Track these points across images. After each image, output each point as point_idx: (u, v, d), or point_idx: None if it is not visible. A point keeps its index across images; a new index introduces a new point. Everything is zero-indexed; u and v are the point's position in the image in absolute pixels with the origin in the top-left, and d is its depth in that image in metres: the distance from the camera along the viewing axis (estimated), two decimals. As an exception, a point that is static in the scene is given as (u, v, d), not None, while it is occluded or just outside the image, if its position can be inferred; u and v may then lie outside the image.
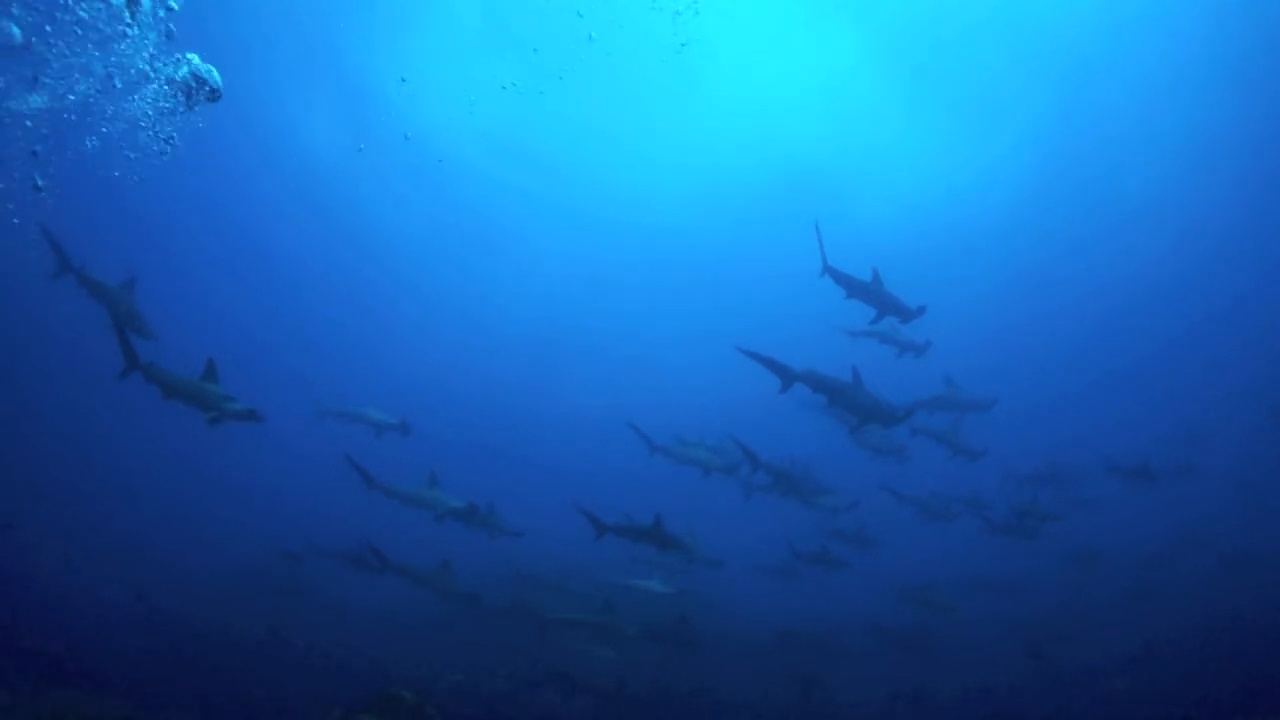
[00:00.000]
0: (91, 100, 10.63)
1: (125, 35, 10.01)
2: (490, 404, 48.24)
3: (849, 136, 38.84)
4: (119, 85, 10.42)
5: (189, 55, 10.10)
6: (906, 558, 22.84)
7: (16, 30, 10.52)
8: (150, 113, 10.46)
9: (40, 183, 11.02)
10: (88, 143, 11.09)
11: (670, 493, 15.44)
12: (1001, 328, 42.63)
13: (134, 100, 10.47)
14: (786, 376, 12.76)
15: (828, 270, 14.31)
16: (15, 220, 11.79)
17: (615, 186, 43.43)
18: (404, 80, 35.17)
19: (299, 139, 39.31)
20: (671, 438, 17.89)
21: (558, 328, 50.08)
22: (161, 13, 10.12)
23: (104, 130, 10.80)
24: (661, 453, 17.42)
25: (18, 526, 18.36)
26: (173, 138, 10.66)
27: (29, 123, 10.61)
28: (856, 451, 21.02)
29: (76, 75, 10.42)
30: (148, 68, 10.23)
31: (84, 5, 9.80)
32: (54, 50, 10.16)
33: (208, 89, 10.11)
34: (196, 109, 10.27)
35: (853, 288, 14.51)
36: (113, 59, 10.21)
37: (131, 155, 10.91)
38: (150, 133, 10.63)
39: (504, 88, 34.78)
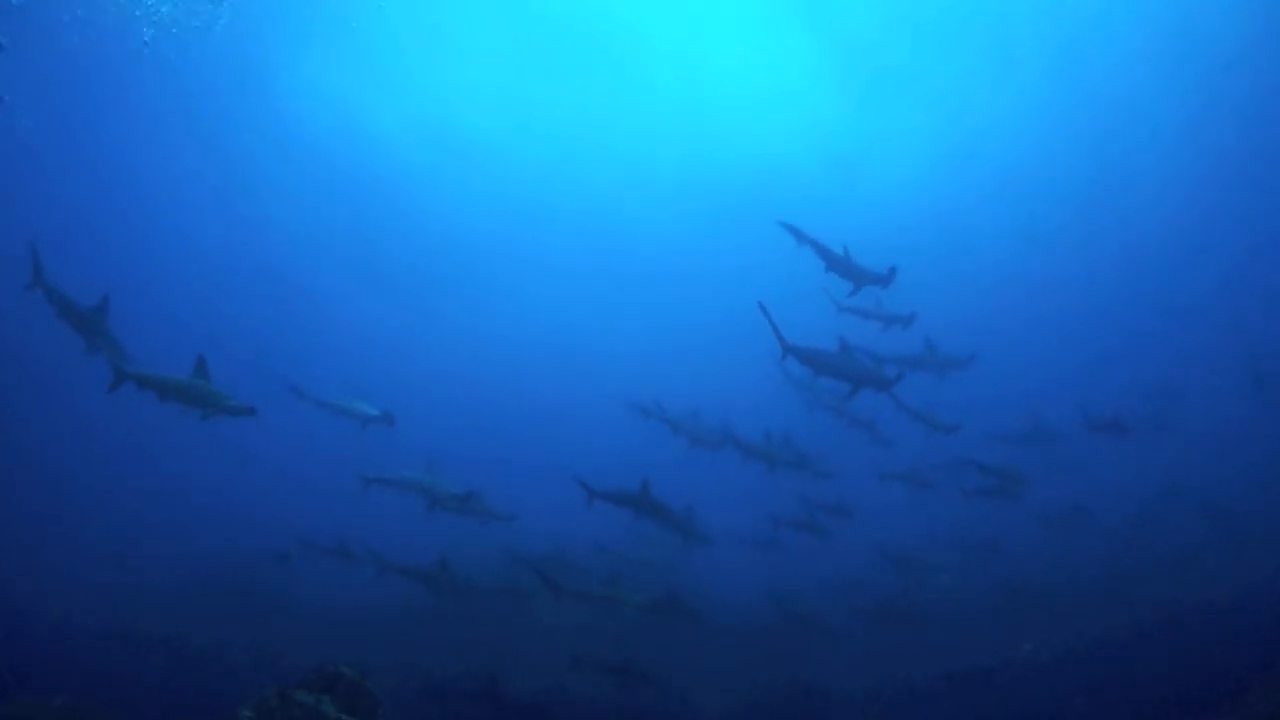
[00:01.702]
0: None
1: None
2: (481, 395, 48.42)
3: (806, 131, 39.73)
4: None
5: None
6: (888, 525, 23.08)
7: None
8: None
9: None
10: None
11: (657, 472, 15.63)
12: (979, 291, 42.99)
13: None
14: (785, 347, 13.12)
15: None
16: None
17: (579, 182, 43.98)
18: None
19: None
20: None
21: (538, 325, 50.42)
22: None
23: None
24: (658, 419, 18.14)
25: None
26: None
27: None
28: (830, 425, 21.59)
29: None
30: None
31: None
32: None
33: None
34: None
35: (829, 260, 15.18)
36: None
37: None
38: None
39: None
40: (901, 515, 23.40)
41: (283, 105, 38.12)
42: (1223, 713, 12.30)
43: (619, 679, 15.92)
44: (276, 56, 35.09)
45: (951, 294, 36.06)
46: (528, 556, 18.96)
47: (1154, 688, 14.00)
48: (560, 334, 49.93)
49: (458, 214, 46.19)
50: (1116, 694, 14.35)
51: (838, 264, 15.19)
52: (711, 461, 18.44)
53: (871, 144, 40.54)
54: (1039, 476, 21.75)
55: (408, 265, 48.10)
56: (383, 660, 16.95)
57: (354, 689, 9.95)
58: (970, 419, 19.35)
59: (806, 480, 19.30)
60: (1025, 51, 35.14)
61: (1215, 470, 29.11)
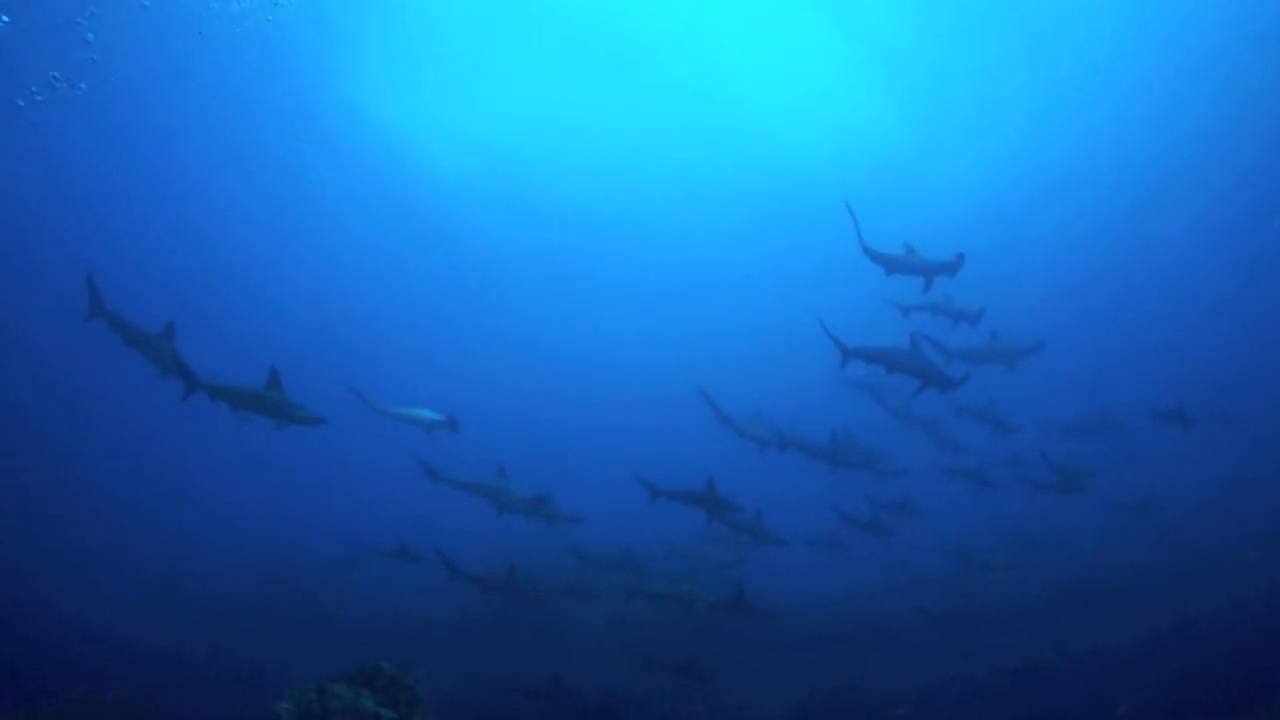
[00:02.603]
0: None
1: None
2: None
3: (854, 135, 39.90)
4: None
5: None
6: (952, 522, 22.94)
7: None
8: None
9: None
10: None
11: (725, 479, 15.74)
12: (1041, 285, 42.62)
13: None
14: (845, 352, 13.13)
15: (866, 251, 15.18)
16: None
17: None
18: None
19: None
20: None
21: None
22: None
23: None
24: (726, 424, 18.10)
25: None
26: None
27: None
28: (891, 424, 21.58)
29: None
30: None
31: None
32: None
33: None
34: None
35: (891, 264, 15.21)
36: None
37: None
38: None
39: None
40: (965, 512, 23.23)
41: (335, 121, 39.02)
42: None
43: (680, 677, 15.97)
44: (331, 75, 35.97)
45: (1012, 289, 35.80)
46: (596, 557, 19.11)
47: (1208, 689, 13.67)
48: (623, 345, 50.35)
49: (516, 230, 47.12)
50: (1163, 697, 14.04)
51: (902, 265, 15.24)
52: (777, 464, 18.44)
53: (920, 145, 40.41)
54: (1104, 469, 21.56)
55: (471, 281, 48.92)
56: (443, 660, 17.38)
57: (394, 684, 9.74)
58: (1035, 411, 19.25)
59: (871, 480, 19.29)
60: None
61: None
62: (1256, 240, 40.38)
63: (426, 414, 18.91)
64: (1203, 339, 41.78)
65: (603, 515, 18.54)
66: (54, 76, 24.14)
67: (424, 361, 46.76)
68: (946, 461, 21.39)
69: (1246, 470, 27.30)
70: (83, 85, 25.86)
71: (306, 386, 12.83)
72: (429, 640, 19.11)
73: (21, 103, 24.75)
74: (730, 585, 15.05)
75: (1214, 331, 41.96)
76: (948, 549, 22.26)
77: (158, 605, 22.38)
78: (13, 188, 36.03)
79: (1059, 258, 43.80)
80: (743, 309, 48.84)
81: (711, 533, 17.46)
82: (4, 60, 23.93)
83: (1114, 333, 43.48)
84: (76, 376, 37.09)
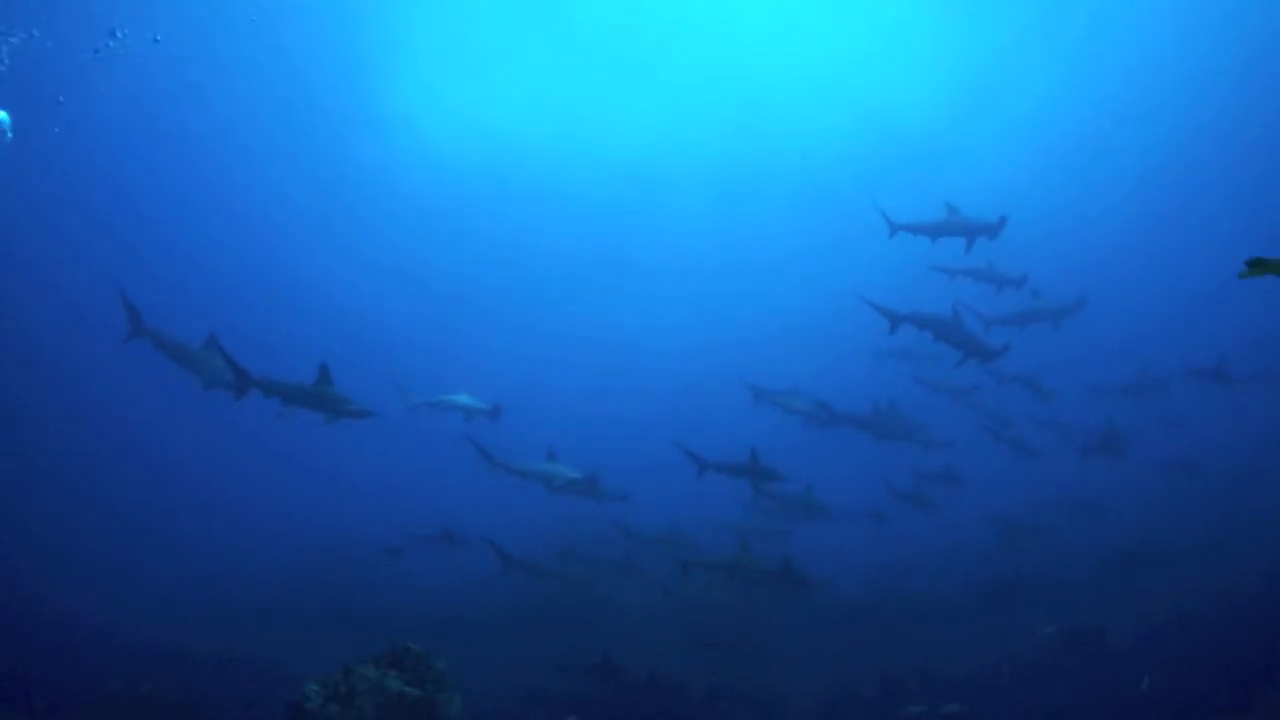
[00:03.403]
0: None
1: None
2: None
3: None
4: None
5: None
6: (997, 490, 22.89)
7: None
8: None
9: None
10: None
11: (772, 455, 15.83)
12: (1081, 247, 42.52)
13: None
14: (894, 319, 13.42)
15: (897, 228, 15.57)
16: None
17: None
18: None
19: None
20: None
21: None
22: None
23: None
24: (769, 401, 18.36)
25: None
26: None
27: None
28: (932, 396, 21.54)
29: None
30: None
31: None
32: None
33: None
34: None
35: (933, 230, 15.33)
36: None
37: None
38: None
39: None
40: (1010, 481, 23.16)
41: (356, 115, 39.33)
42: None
43: (722, 654, 16.15)
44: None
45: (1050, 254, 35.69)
46: (644, 534, 19.25)
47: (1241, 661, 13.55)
48: (661, 333, 50.62)
49: (547, 226, 48.33)
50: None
51: (945, 228, 15.37)
52: (824, 440, 18.50)
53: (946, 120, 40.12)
54: (1146, 430, 21.46)
55: (508, 277, 49.45)
56: (490, 643, 17.59)
57: (421, 664, 10.02)
58: (1076, 375, 19.19)
59: (915, 451, 19.32)
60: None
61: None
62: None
63: (469, 401, 19.10)
64: (1237, 297, 41.38)
65: (648, 495, 18.73)
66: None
67: (457, 357, 47.05)
68: (988, 429, 21.30)
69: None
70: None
71: (341, 382, 12.97)
72: (475, 625, 19.37)
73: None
74: (776, 556, 15.12)
75: (1250, 288, 41.43)
76: (992, 518, 22.23)
77: (197, 608, 22.61)
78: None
79: (1096, 222, 43.43)
80: (777, 289, 48.94)
81: (759, 506, 17.58)
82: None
83: (1152, 296, 43.14)
84: (100, 387, 37.68)
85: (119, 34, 24.40)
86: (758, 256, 49.46)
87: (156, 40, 27.74)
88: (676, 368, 46.90)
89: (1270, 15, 33.16)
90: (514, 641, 18.43)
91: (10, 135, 14.80)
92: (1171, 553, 20.66)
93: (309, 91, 38.11)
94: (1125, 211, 43.45)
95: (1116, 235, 43.22)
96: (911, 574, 22.82)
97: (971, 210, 16.14)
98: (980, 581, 20.71)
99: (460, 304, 50.40)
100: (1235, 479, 25.00)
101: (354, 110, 40.01)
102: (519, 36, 36.71)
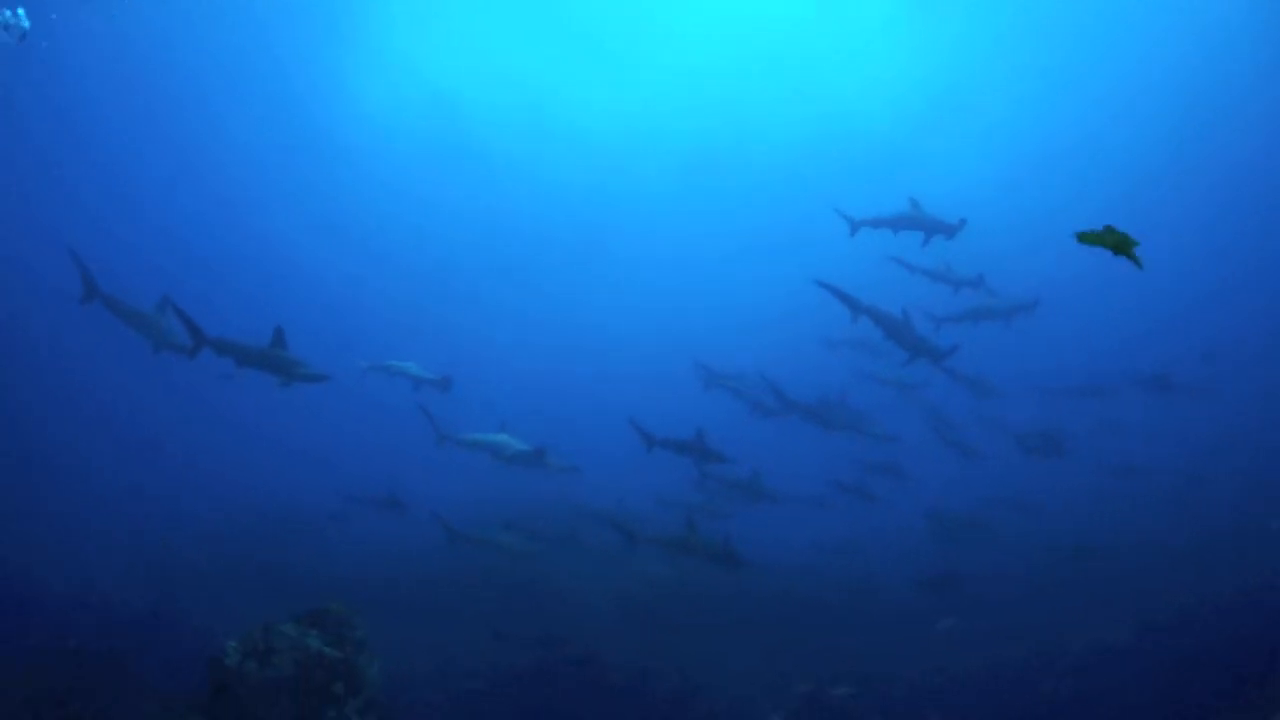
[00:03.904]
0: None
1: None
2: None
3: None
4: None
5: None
6: (940, 488, 23.25)
7: None
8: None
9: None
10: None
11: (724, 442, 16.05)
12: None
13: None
14: (855, 306, 13.87)
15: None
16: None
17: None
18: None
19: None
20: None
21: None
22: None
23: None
24: (719, 384, 18.82)
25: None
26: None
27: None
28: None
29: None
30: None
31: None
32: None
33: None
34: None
35: (894, 223, 16.05)
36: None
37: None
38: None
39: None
40: (952, 476, 23.51)
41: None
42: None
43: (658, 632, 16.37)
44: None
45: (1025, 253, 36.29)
46: (590, 510, 19.33)
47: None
48: (621, 318, 50.91)
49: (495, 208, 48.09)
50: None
51: (904, 222, 15.69)
52: (777, 427, 18.69)
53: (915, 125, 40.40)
54: (1092, 434, 21.87)
55: (480, 250, 49.27)
56: (430, 611, 17.61)
57: (342, 624, 10.05)
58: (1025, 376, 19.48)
59: (862, 443, 19.55)
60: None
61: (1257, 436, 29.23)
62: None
63: (420, 371, 19.05)
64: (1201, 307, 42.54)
65: (599, 472, 18.83)
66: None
67: (415, 328, 46.90)
68: (933, 427, 21.65)
69: (1224, 439, 27.80)
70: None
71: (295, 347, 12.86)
72: (413, 594, 19.43)
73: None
74: (719, 536, 15.32)
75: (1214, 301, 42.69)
76: (930, 511, 22.56)
77: (130, 565, 22.43)
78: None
79: (1062, 225, 44.10)
80: (740, 277, 49.13)
81: (706, 486, 17.73)
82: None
83: (1116, 302, 44.06)
84: (43, 345, 37.07)
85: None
86: (723, 245, 49.64)
87: None
88: (636, 350, 47.03)
89: (1235, 21, 33.66)
90: (451, 613, 18.50)
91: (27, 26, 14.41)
92: (1104, 553, 21.18)
93: (266, 51, 37.32)
94: (1092, 216, 44.02)
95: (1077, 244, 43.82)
96: (850, 562, 23.17)
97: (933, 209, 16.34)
98: (917, 573, 21.07)
99: (420, 275, 50.21)
100: (1175, 485, 25.65)
101: (313, 71, 39.30)
102: (494, 9, 36.25)
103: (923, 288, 17.85)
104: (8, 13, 13.91)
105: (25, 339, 38.35)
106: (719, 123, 42.69)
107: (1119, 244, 4.46)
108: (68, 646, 14.42)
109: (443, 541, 16.81)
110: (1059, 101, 40.84)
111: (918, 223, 15.87)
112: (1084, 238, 4.43)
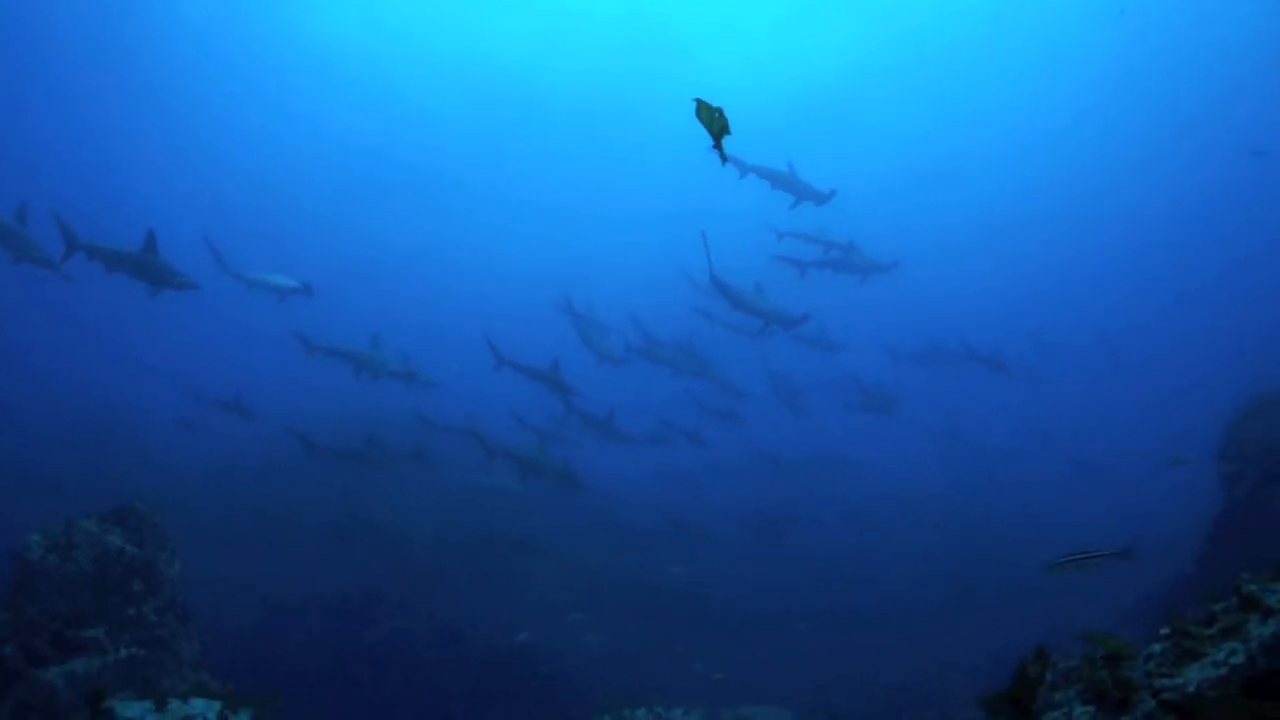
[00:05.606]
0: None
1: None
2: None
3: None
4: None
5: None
6: (774, 437, 24.52)
7: None
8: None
9: None
10: None
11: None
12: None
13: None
14: (713, 277, 14.39)
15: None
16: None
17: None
18: None
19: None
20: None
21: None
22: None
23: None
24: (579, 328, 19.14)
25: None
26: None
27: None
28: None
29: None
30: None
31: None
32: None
33: None
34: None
35: (773, 179, 17.11)
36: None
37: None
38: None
39: None
40: (789, 428, 24.79)
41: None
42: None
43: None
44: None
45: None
46: (443, 424, 19.73)
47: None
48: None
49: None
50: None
51: (782, 181, 16.80)
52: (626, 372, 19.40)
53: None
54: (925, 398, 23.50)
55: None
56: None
57: (145, 523, 10.19)
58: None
59: (708, 389, 20.63)
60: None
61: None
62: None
63: (282, 280, 18.97)
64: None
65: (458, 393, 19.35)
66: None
67: (287, 240, 46.01)
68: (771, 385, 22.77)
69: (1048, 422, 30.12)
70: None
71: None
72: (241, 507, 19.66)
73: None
74: (562, 459, 16.19)
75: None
76: (764, 455, 23.82)
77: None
78: None
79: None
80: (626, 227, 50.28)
81: (566, 420, 18.27)
82: None
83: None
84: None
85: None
86: (613, 193, 50.28)
87: None
88: (511, 289, 47.27)
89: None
90: (279, 538, 18.79)
91: None
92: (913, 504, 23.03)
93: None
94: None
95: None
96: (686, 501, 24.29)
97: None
98: (748, 516, 22.44)
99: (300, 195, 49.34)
100: (990, 454, 27.79)
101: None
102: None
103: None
104: None
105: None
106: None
107: (716, 128, 4.27)
108: None
109: (287, 460, 17.11)
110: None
111: (790, 185, 17.00)
112: (701, 109, 4.26)
